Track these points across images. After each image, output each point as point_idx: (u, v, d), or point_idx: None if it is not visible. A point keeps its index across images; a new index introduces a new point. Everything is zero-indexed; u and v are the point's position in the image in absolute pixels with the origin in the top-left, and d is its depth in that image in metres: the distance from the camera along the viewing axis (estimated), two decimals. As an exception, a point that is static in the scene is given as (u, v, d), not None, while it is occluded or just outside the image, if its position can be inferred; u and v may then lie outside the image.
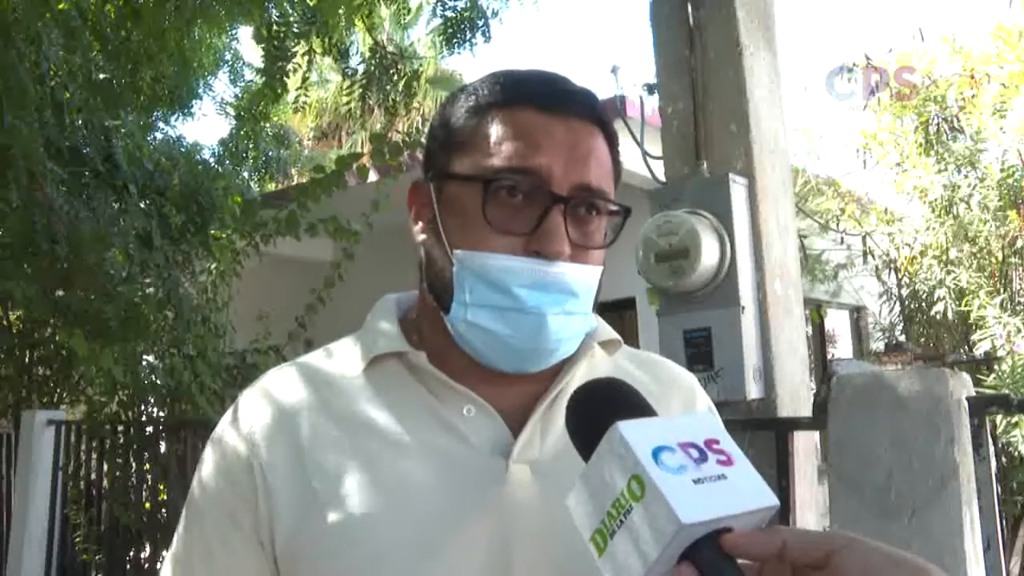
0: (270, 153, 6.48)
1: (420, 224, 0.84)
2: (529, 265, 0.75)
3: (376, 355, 0.82)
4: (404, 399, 0.80)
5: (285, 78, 4.98)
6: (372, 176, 4.78)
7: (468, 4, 4.77)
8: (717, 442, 0.58)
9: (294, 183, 8.36)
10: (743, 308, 2.40)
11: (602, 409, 0.62)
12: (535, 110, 0.77)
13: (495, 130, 0.78)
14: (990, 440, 1.90)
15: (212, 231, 5.14)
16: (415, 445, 0.77)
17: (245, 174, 6.41)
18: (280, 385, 0.84)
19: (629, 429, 0.56)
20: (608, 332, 0.89)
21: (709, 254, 2.37)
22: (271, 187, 7.47)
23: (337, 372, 0.84)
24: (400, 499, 0.75)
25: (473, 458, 0.77)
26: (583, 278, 0.78)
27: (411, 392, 0.81)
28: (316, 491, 0.76)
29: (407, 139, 4.23)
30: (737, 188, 2.45)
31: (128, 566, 4.51)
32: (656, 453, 0.55)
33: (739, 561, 0.54)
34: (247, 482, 0.78)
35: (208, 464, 0.83)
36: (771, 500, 0.56)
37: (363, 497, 0.75)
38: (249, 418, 0.81)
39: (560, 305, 0.76)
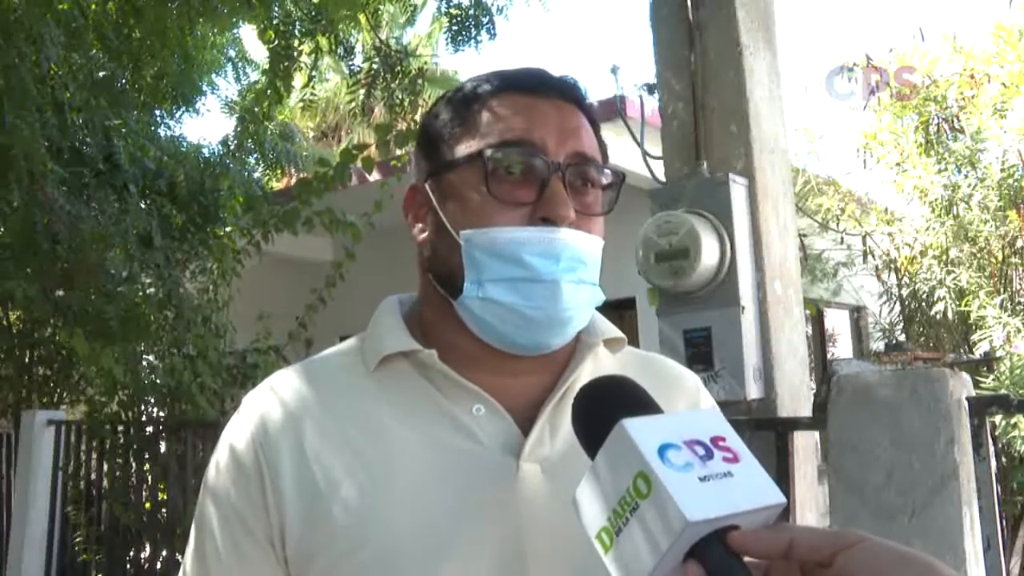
0: (276, 147, 6.44)
1: (420, 225, 0.86)
2: (536, 234, 0.77)
3: (386, 355, 0.82)
4: (413, 398, 0.80)
5: (289, 79, 4.98)
6: (376, 172, 4.77)
7: (472, 1, 4.75)
8: (723, 439, 0.57)
9: (301, 178, 8.28)
10: (743, 308, 2.40)
11: (608, 406, 0.62)
12: (522, 94, 0.82)
13: (487, 114, 0.81)
14: (990, 440, 1.90)
15: (213, 229, 5.13)
16: (425, 444, 0.78)
17: (246, 173, 6.39)
18: (285, 387, 0.84)
19: (635, 427, 0.56)
20: (612, 330, 0.89)
21: (709, 254, 2.37)
22: (275, 184, 7.42)
23: (344, 373, 0.84)
24: (411, 498, 0.75)
25: (484, 457, 0.77)
26: (588, 246, 0.80)
27: (420, 391, 0.81)
28: (325, 492, 0.75)
29: (413, 125, 4.22)
30: (737, 188, 2.45)
31: (128, 566, 4.51)
32: (662, 451, 0.54)
33: (746, 559, 0.54)
34: (256, 486, 0.78)
35: (215, 471, 0.82)
36: (778, 498, 0.55)
37: (374, 497, 0.75)
38: (254, 421, 0.81)
39: (572, 272, 0.78)
